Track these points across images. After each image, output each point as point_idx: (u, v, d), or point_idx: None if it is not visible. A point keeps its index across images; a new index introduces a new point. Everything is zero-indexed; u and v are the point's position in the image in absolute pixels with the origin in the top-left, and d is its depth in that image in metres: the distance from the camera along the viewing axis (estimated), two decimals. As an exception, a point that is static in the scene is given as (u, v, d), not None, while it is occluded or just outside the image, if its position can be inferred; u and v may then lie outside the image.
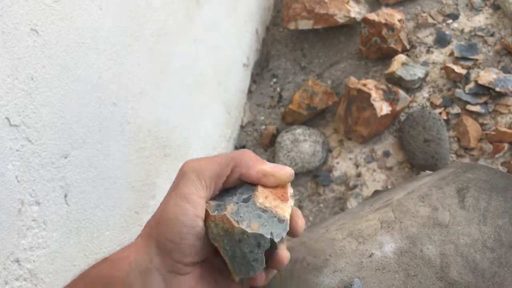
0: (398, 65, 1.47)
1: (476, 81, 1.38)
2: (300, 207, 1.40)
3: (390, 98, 1.39)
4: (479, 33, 1.50)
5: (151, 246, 0.38)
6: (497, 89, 1.34)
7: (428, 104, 1.44)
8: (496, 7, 1.54)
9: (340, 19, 1.58)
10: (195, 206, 0.38)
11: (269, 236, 0.37)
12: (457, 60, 1.46)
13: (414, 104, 1.45)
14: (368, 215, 0.59)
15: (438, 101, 1.42)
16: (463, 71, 1.42)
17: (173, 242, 0.37)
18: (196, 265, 0.38)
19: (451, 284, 0.49)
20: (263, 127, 1.59)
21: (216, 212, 0.38)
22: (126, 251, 0.39)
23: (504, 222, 0.53)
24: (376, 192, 0.73)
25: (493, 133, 1.31)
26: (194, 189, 0.38)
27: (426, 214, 0.55)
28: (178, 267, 0.37)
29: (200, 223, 0.38)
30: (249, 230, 0.37)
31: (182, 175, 0.39)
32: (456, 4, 1.59)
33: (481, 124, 1.35)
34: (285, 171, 0.41)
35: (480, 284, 0.48)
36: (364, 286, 0.51)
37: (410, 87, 1.46)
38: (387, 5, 1.65)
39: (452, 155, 1.35)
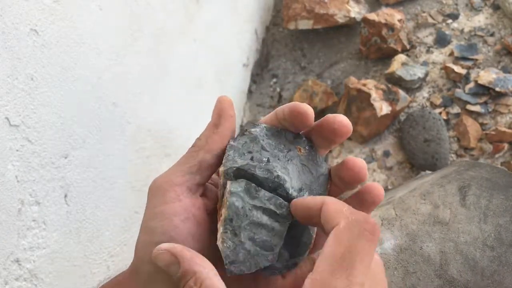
0: (398, 65, 1.47)
1: (476, 81, 1.38)
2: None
3: (390, 98, 1.39)
4: (479, 33, 1.50)
5: (138, 279, 0.33)
6: (497, 89, 1.34)
7: (428, 104, 1.44)
8: (496, 7, 1.54)
9: (340, 19, 1.58)
10: (163, 222, 0.32)
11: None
12: (457, 60, 1.46)
13: (414, 104, 1.45)
14: (368, 213, 0.59)
15: (438, 101, 1.42)
16: (463, 71, 1.42)
17: (152, 271, 0.31)
18: None
19: (450, 281, 0.49)
20: (263, 127, 1.58)
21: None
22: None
23: (505, 221, 0.53)
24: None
25: (493, 133, 1.31)
26: (159, 205, 0.32)
27: (427, 212, 0.55)
28: None
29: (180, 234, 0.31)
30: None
31: (148, 196, 0.33)
32: (456, 4, 1.59)
33: (481, 124, 1.35)
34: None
35: (479, 282, 0.48)
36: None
37: (410, 87, 1.46)
38: (387, 5, 1.65)
39: (452, 155, 1.35)
